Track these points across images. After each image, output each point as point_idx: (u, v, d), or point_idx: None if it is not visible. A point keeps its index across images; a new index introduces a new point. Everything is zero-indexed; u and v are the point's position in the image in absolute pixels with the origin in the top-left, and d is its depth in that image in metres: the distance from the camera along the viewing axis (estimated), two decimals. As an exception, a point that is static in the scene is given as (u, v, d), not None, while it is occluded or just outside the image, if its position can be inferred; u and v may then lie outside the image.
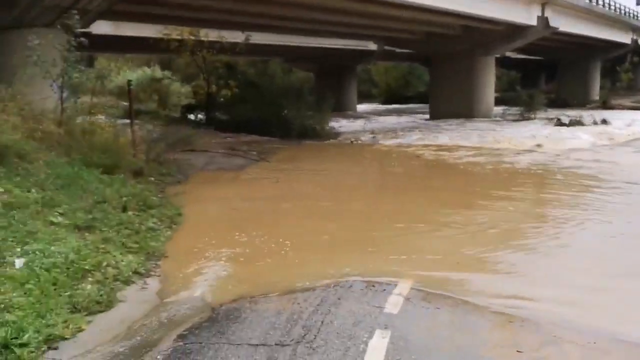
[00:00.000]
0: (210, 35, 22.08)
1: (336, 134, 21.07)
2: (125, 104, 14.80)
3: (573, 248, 7.15)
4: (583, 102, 37.78)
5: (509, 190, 11.18)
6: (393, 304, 4.91)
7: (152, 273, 5.71)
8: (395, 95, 50.77)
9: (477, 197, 10.50)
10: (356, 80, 44.33)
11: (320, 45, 34.00)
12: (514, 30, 27.93)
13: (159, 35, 21.93)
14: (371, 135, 21.86)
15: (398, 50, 36.09)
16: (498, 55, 32.18)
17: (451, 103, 29.58)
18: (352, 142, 20.00)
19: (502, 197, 10.42)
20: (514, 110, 29.61)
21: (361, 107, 41.91)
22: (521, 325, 4.62)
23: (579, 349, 4.21)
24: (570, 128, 22.69)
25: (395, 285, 5.36)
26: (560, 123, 24.15)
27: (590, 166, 13.81)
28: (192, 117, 23.12)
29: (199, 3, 18.29)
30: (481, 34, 28.07)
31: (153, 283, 5.49)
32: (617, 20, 38.39)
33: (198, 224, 7.96)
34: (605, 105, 36.52)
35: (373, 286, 5.35)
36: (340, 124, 23.68)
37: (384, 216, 8.78)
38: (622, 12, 40.12)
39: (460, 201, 9.99)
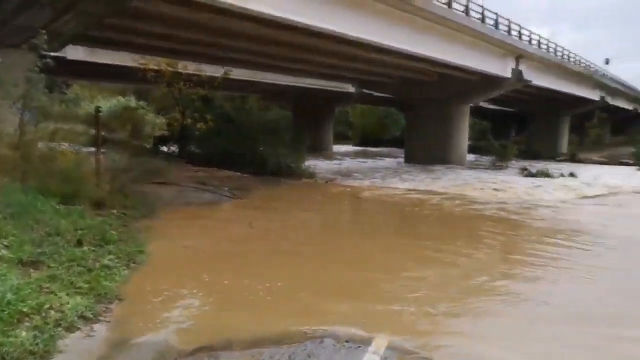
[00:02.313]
0: (189, 67, 21.80)
1: (312, 174, 20.66)
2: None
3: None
4: (552, 155, 38.94)
5: (496, 237, 10.89)
6: (368, 364, 4.47)
7: (102, 318, 5.10)
8: (371, 138, 51.17)
9: (456, 245, 10.09)
10: (333, 121, 44.47)
11: (298, 85, 34.15)
12: (489, 80, 28.36)
13: (136, 65, 21.51)
14: (346, 176, 21.53)
15: (375, 93, 36.36)
16: (472, 105, 32.65)
17: (426, 148, 29.99)
18: (326, 182, 19.67)
19: (483, 245, 10.08)
20: (486, 159, 30.77)
21: (337, 148, 41.87)
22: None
23: None
24: (538, 178, 23.37)
25: (371, 342, 4.91)
26: (528, 173, 24.88)
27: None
28: (164, 148, 22.55)
29: (175, 34, 17.98)
30: (457, 82, 28.42)
31: (101, 330, 4.89)
32: (587, 77, 39.47)
33: (160, 263, 7.33)
34: (573, 158, 37.91)
35: (347, 342, 4.89)
36: (315, 163, 23.33)
37: (344, 261, 8.32)
38: (592, 69, 41.46)
39: (436, 247, 9.56)
